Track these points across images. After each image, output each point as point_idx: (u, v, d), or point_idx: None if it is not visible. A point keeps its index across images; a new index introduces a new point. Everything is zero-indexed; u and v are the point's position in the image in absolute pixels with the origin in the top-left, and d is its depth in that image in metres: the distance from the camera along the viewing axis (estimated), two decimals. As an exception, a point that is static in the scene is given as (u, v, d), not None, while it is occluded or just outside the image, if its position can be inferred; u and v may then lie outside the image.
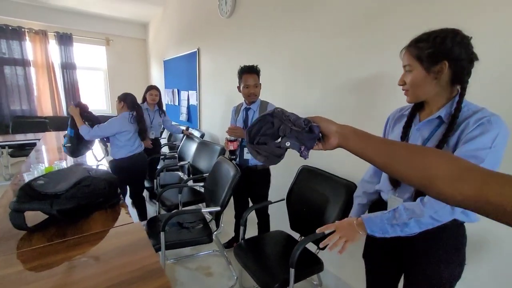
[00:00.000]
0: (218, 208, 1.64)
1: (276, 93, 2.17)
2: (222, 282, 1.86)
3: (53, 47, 4.82)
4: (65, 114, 5.02)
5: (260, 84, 1.85)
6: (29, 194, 1.10)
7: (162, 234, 1.51)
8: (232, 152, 1.80)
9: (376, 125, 1.51)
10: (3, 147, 3.64)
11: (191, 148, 2.85)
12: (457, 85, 0.85)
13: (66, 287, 0.80)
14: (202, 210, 1.65)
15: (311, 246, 1.52)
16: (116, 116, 2.34)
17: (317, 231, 0.99)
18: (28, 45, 4.59)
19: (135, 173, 2.35)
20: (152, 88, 2.94)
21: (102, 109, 5.54)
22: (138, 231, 1.13)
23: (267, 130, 0.61)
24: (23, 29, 4.50)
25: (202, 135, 3.25)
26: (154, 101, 2.93)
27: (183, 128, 3.16)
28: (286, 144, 0.59)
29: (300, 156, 0.60)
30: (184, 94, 4.04)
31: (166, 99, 4.79)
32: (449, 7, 1.19)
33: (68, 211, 1.13)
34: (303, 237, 1.68)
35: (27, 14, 4.44)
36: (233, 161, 1.81)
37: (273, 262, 1.45)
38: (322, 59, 1.84)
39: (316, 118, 0.60)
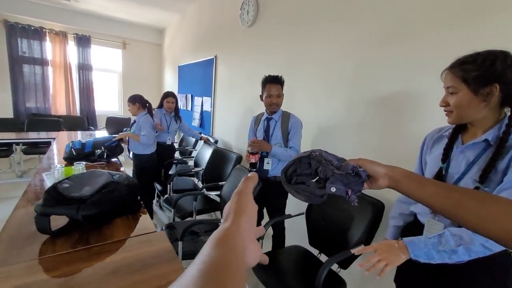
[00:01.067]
0: (237, 220, 1.60)
1: (295, 104, 2.15)
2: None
3: (72, 48, 4.92)
4: (78, 114, 5.07)
5: (283, 94, 1.84)
6: (55, 197, 1.08)
7: (180, 243, 1.47)
8: (253, 165, 1.76)
9: (404, 140, 1.48)
10: (17, 144, 3.67)
11: (207, 154, 2.82)
12: (505, 108, 0.83)
13: None
14: (222, 221, 1.61)
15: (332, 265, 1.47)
16: (131, 117, 2.85)
17: (353, 251, 0.94)
18: (48, 45, 4.69)
19: (149, 171, 2.70)
20: (169, 95, 2.97)
21: (114, 110, 5.59)
22: (162, 241, 1.10)
23: (304, 170, 0.57)
24: (44, 30, 4.60)
25: (216, 142, 3.23)
26: (171, 108, 2.99)
27: (201, 134, 3.21)
28: (331, 189, 0.55)
29: (348, 200, 0.56)
30: (198, 100, 4.05)
31: (179, 104, 4.80)
32: (487, 31, 1.16)
33: (93, 217, 1.10)
34: (322, 253, 1.63)
35: (49, 15, 4.55)
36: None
37: (294, 281, 1.40)
38: (344, 71, 1.82)
39: (360, 161, 0.57)
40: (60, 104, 4.93)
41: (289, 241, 2.00)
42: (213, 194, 2.14)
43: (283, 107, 1.91)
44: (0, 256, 0.96)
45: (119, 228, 1.19)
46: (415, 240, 0.87)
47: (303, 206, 1.75)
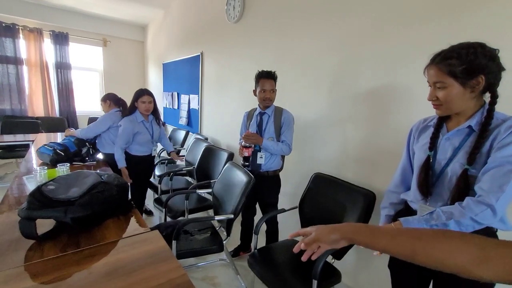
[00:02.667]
0: (231, 216, 1.59)
1: (285, 99, 2.15)
2: (231, 293, 1.79)
3: (48, 46, 4.68)
4: (58, 114, 4.85)
5: (276, 90, 1.83)
6: (40, 200, 1.02)
7: (174, 242, 1.44)
8: (246, 159, 1.76)
9: (390, 132, 1.52)
10: (-9, 148, 3.46)
11: (199, 152, 2.76)
12: (484, 95, 0.87)
13: None
14: (216, 218, 1.59)
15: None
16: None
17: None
18: (21, 43, 4.44)
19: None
20: (143, 93, 2.17)
21: (96, 110, 5.38)
22: (157, 240, 1.07)
23: None
24: (17, 26, 4.35)
25: (206, 139, 3.18)
26: (148, 110, 2.21)
27: (172, 150, 2.58)
28: None
29: None
30: (184, 97, 3.98)
31: (164, 102, 4.71)
32: (463, 23, 1.20)
33: (83, 219, 1.06)
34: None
35: (22, 11, 4.30)
36: (246, 167, 1.77)
37: (290, 274, 1.40)
38: (330, 66, 1.84)
39: (317, 235, 0.62)
40: (37, 105, 4.69)
41: (283, 236, 2.02)
42: (204, 192, 2.10)
43: (277, 102, 1.91)
44: (-18, 264, 0.90)
45: (110, 229, 1.15)
46: (409, 218, 0.91)
47: (296, 200, 1.76)
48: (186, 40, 3.91)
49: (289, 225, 2.10)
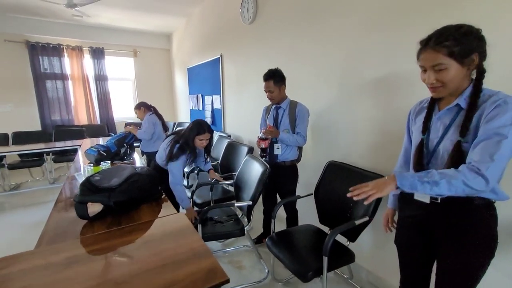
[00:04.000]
0: (250, 202, 1.73)
1: (300, 93, 2.24)
2: (254, 274, 1.93)
3: (87, 61, 5.22)
4: (99, 122, 5.39)
5: (280, 87, 1.94)
6: (89, 188, 1.26)
7: (199, 226, 1.62)
8: (263, 150, 1.90)
9: (400, 117, 1.54)
10: (47, 153, 3.99)
11: (222, 148, 2.96)
12: (471, 72, 0.91)
13: (126, 265, 0.92)
14: (236, 204, 1.75)
15: (342, 239, 1.57)
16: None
17: (349, 195, 1.00)
18: (66, 60, 5.01)
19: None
20: (204, 131, 1.92)
21: (131, 116, 5.87)
22: (182, 220, 1.25)
23: None
24: (61, 46, 4.92)
25: (229, 136, 3.37)
26: (203, 147, 2.03)
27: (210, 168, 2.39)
28: None
29: None
30: (208, 99, 4.21)
31: (190, 105, 5.01)
32: (460, 17, 1.21)
33: (122, 203, 1.27)
34: (331, 230, 1.72)
35: (65, 32, 4.86)
36: (263, 158, 1.91)
37: (305, 253, 1.51)
38: (339, 59, 1.90)
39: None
40: (81, 114, 5.26)
41: (302, 222, 2.11)
42: (226, 183, 2.28)
43: (291, 97, 2.02)
44: (50, 238, 1.15)
45: (145, 212, 1.36)
46: (404, 173, 0.96)
47: (313, 188, 1.85)
48: (206, 44, 4.14)
49: (308, 212, 2.19)
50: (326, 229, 1.75)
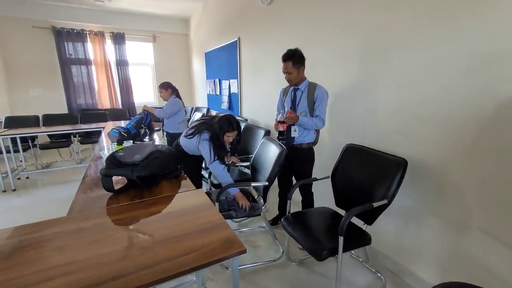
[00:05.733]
0: (266, 183, 1.75)
1: (318, 75, 2.18)
2: (269, 254, 1.98)
3: (109, 46, 5.35)
4: (120, 106, 5.57)
5: (299, 68, 1.88)
6: (114, 163, 1.32)
7: (217, 204, 1.67)
8: (281, 133, 1.89)
9: (420, 99, 1.47)
10: (74, 135, 4.21)
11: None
12: None
13: (149, 233, 0.97)
14: (252, 184, 1.78)
15: (358, 223, 1.56)
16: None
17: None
18: (89, 45, 5.17)
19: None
20: (232, 128, 1.89)
21: (150, 101, 6.02)
22: (201, 196, 1.29)
23: None
24: (85, 32, 5.07)
25: (246, 120, 3.39)
26: (229, 142, 2.00)
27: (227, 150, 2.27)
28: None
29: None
30: (225, 83, 4.22)
31: (208, 89, 5.04)
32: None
33: (144, 178, 1.33)
34: (348, 213, 1.72)
35: (88, 18, 4.99)
36: (281, 141, 1.91)
37: (321, 233, 1.52)
38: (359, 39, 1.82)
39: None
40: (104, 99, 5.46)
41: (318, 205, 2.12)
42: (242, 166, 2.31)
43: (309, 78, 1.98)
44: (79, 207, 1.23)
45: (165, 188, 1.42)
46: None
47: (329, 171, 1.83)
48: (224, 27, 4.09)
49: (323, 195, 2.19)
50: (342, 212, 1.75)
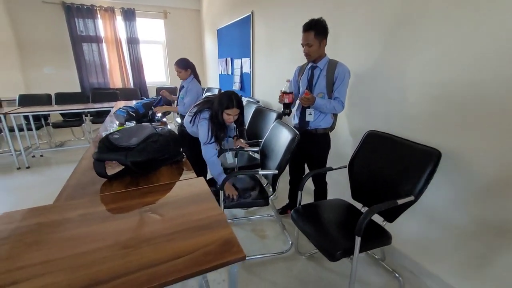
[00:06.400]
0: (276, 171, 1.60)
1: (338, 51, 1.94)
2: (277, 245, 1.87)
3: (120, 23, 5.18)
4: (132, 86, 5.49)
5: (321, 41, 1.64)
6: (107, 146, 1.20)
7: (221, 192, 1.54)
8: (286, 106, 1.71)
9: (461, 81, 1.23)
10: (86, 114, 4.18)
11: (249, 114, 2.80)
12: None
13: (137, 229, 0.85)
14: (260, 172, 1.63)
15: (377, 218, 1.39)
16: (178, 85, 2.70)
17: None
18: (99, 22, 5.02)
19: None
20: (232, 105, 1.68)
21: (162, 81, 5.89)
22: (201, 185, 1.15)
23: None
24: (95, 7, 4.90)
25: (258, 102, 3.19)
26: (231, 122, 1.80)
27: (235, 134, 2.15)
28: None
29: None
30: (237, 62, 3.99)
31: (219, 69, 4.83)
32: None
33: (140, 163, 1.20)
34: (365, 207, 1.55)
35: (97, -8, 4.81)
36: (286, 115, 1.74)
37: (334, 229, 1.37)
38: (390, 13, 1.53)
39: None
40: (116, 78, 5.38)
41: (331, 197, 1.96)
42: (252, 150, 2.16)
43: (329, 55, 1.74)
44: (69, 193, 1.13)
45: (164, 175, 1.29)
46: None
47: (346, 160, 1.65)
48: (236, 1, 3.80)
49: (338, 186, 2.02)
50: (359, 206, 1.58)
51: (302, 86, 1.82)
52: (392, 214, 1.34)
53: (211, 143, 1.70)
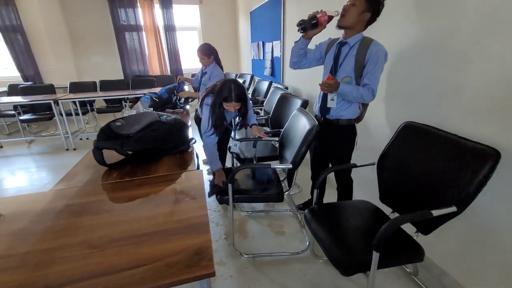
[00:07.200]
0: (290, 166, 1.42)
1: (376, 30, 1.62)
2: (293, 244, 1.72)
3: (157, 11, 5.28)
4: (169, 73, 5.64)
5: (367, 9, 1.33)
6: (107, 133, 1.16)
7: (230, 186, 1.43)
8: (311, 19, 1.43)
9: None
10: (125, 100, 4.41)
11: (274, 101, 2.62)
12: None
13: (110, 227, 0.79)
14: (272, 166, 1.47)
15: (407, 227, 1.14)
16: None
17: None
18: (139, 11, 5.18)
19: None
20: (230, 99, 1.54)
21: (198, 67, 5.93)
22: (196, 178, 1.06)
23: None
24: (135, -4, 5.06)
25: (286, 88, 2.98)
26: (231, 111, 1.68)
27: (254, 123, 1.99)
28: None
29: None
30: (268, 46, 3.77)
31: (252, 54, 4.67)
32: None
33: (137, 153, 1.15)
34: (395, 213, 1.30)
35: (135, -19, 4.93)
36: (300, 26, 1.46)
37: (352, 238, 1.16)
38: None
39: None
40: (154, 65, 5.58)
41: (357, 197, 1.73)
42: (271, 140, 2.00)
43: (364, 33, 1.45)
44: (70, 180, 1.13)
45: (163, 165, 1.22)
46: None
47: (375, 156, 1.39)
48: (269, -22, 3.54)
49: (365, 185, 1.77)
50: (387, 210, 1.33)
51: (326, 65, 1.56)
52: (428, 226, 1.09)
53: (212, 132, 1.62)
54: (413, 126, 1.28)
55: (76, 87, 4.35)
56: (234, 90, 1.53)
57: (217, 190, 1.55)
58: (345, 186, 1.70)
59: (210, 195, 1.56)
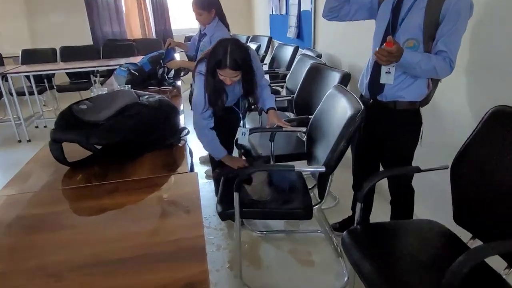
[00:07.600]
0: (322, 169, 1.42)
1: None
2: (326, 279, 1.75)
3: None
4: (154, 36, 5.76)
5: None
6: (69, 121, 1.20)
7: (236, 195, 1.45)
8: None
9: None
10: (95, 74, 4.53)
11: (301, 75, 2.62)
12: None
13: (72, 249, 0.82)
14: (297, 168, 1.48)
15: (494, 261, 1.14)
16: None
17: None
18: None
19: None
20: (224, 66, 1.54)
21: (193, 27, 6.02)
22: (189, 184, 1.09)
23: None
24: None
25: (319, 56, 2.98)
26: (228, 83, 1.73)
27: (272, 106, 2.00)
28: None
29: None
30: (294, -4, 3.79)
31: (270, 8, 4.71)
32: None
33: (109, 147, 1.18)
34: (476, 239, 1.29)
35: None
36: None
37: (412, 274, 1.17)
38: None
39: None
40: (134, 26, 5.75)
41: (419, 213, 1.81)
42: (297, 131, 2.00)
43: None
44: (22, 182, 1.18)
45: (144, 165, 1.27)
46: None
47: (446, 156, 1.38)
48: None
49: (433, 197, 1.75)
50: (464, 235, 1.31)
51: (380, 22, 1.54)
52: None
53: (207, 113, 1.67)
54: (504, 112, 1.25)
55: (30, 56, 4.54)
56: (230, 52, 1.52)
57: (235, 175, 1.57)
58: (403, 199, 1.73)
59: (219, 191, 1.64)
